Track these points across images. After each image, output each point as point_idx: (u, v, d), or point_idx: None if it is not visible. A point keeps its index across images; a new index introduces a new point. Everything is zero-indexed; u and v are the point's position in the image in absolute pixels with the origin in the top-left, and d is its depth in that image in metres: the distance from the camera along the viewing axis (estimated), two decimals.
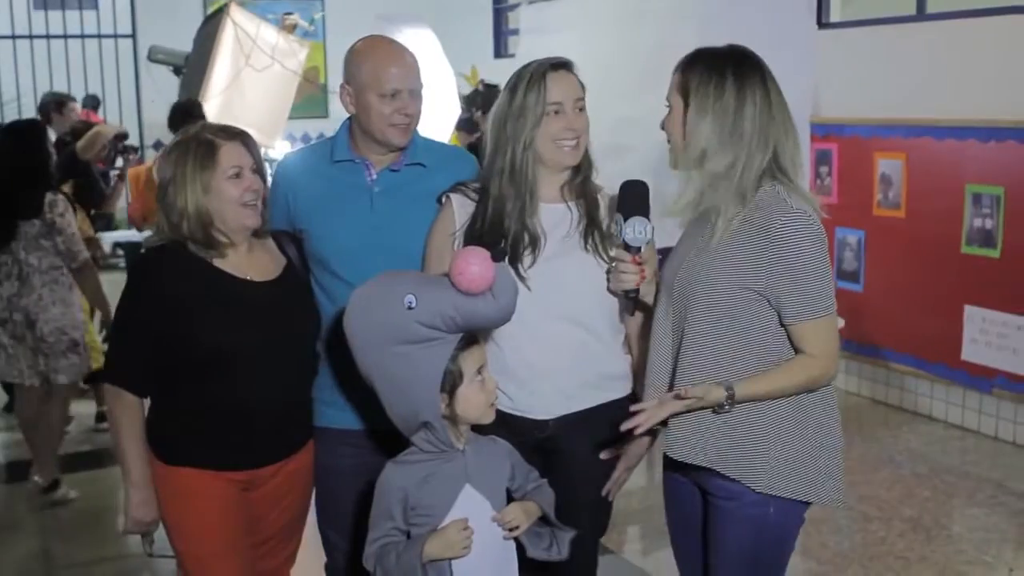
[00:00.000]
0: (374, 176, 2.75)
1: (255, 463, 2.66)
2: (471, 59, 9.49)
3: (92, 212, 6.35)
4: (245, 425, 2.61)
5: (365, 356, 2.34)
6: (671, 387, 2.42)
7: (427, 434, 2.31)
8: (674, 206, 2.44)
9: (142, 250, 2.74)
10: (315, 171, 2.80)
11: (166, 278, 2.57)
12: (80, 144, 6.58)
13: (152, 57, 8.57)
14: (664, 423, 2.41)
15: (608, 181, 2.72)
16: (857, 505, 4.71)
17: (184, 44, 8.42)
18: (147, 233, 5.82)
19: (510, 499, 2.43)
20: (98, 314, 5.35)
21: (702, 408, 2.35)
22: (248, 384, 2.59)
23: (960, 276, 5.68)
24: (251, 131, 2.73)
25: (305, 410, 2.77)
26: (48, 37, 10.78)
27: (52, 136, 6.35)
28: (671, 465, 2.52)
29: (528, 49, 8.19)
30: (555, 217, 2.62)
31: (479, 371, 2.33)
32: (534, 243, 2.58)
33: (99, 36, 11.03)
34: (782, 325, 2.36)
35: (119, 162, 7.18)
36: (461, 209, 2.65)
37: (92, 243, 5.55)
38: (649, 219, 2.50)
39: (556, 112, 2.56)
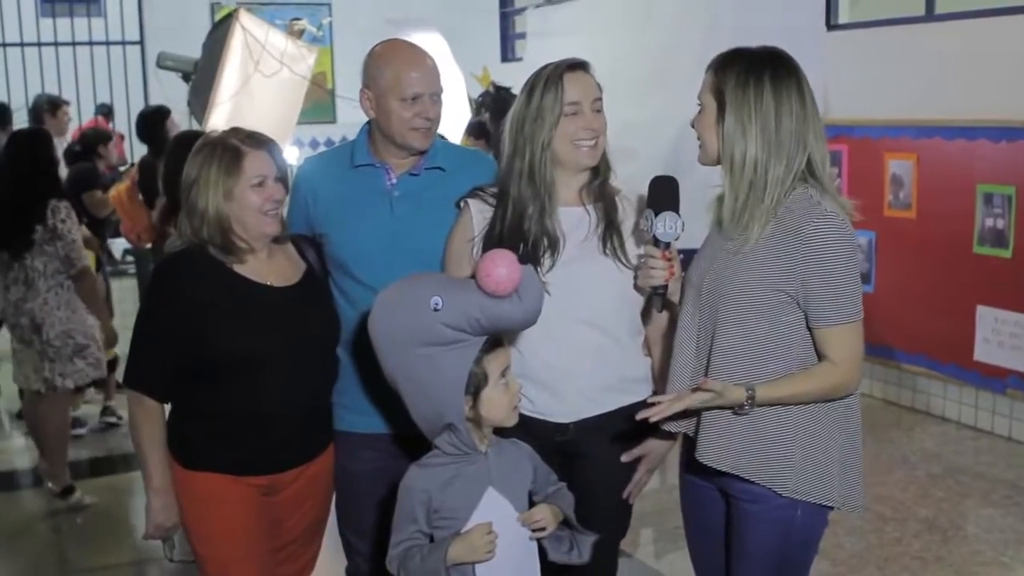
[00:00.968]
0: (394, 180, 2.75)
1: (276, 467, 2.66)
2: (479, 63, 9.48)
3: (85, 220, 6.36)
4: (266, 430, 2.61)
5: (390, 358, 2.34)
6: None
7: (450, 436, 2.31)
8: (715, 215, 2.43)
9: (161, 256, 2.74)
10: (335, 175, 2.80)
11: (186, 283, 2.58)
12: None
13: (161, 64, 8.58)
14: (682, 416, 2.38)
15: (616, 185, 2.73)
16: (872, 506, 4.69)
17: (192, 50, 8.42)
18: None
19: (531, 502, 2.43)
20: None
21: (720, 407, 2.34)
22: (268, 389, 2.59)
23: (972, 276, 5.67)
24: None
25: (326, 414, 2.78)
26: (56, 45, 10.79)
27: None
28: (692, 470, 2.51)
29: (535, 53, 8.21)
30: (573, 220, 2.62)
31: (503, 374, 2.33)
32: (553, 246, 2.58)
33: (107, 43, 11.03)
34: (808, 329, 2.35)
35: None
36: (479, 214, 2.65)
37: (89, 243, 5.54)
38: (679, 215, 2.48)
39: (574, 113, 2.56)
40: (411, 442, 2.51)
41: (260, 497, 2.66)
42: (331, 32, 10.61)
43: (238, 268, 2.61)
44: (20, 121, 10.04)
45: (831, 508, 2.44)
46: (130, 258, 8.49)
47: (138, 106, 11.08)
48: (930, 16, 6.17)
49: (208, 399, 2.61)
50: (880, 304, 6.22)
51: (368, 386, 2.69)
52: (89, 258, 5.23)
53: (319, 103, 9.98)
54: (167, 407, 2.68)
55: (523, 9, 10.02)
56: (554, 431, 2.60)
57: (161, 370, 2.60)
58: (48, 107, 7.68)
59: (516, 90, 2.83)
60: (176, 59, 8.53)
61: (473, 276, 2.34)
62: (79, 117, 10.19)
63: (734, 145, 2.33)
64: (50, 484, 5.03)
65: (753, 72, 2.34)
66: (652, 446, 2.67)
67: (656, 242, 2.49)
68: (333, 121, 10.61)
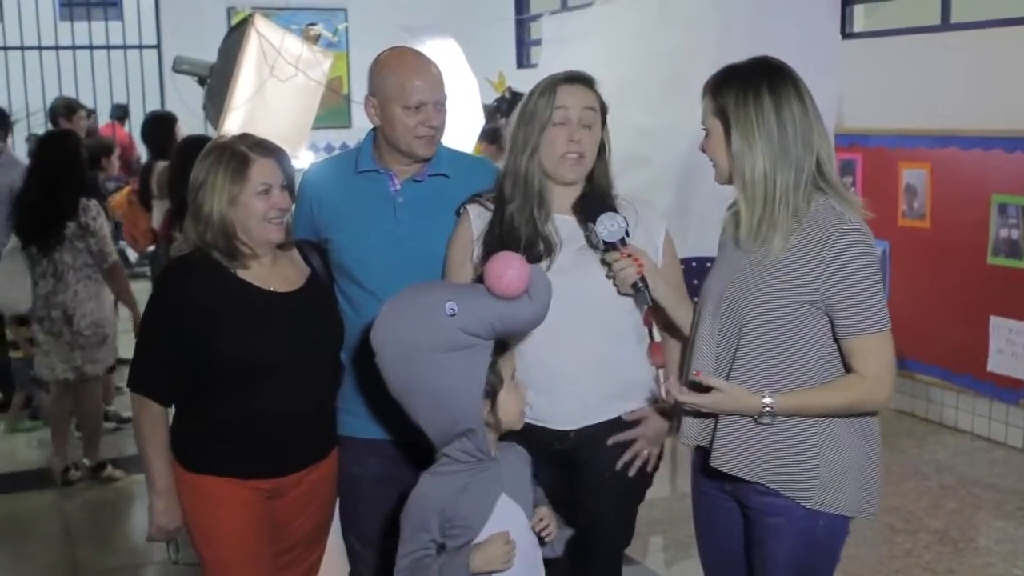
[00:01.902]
0: (398, 187, 2.76)
1: (280, 471, 2.67)
2: (494, 69, 9.49)
3: None
4: (270, 434, 2.62)
5: (399, 369, 2.31)
6: None
7: (463, 443, 2.30)
8: (731, 232, 2.45)
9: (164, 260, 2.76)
10: (339, 181, 2.81)
11: (191, 288, 2.59)
12: None
13: (177, 68, 8.61)
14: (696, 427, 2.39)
15: (630, 192, 2.72)
16: (883, 517, 4.65)
17: (209, 55, 8.45)
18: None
19: None
20: (130, 314, 5.49)
21: (738, 413, 2.33)
22: (272, 393, 2.60)
23: (986, 287, 5.62)
24: (275, 141, 2.75)
25: (329, 419, 2.78)
26: (74, 48, 10.84)
27: None
28: (706, 480, 2.49)
29: (550, 59, 8.21)
30: (568, 229, 2.62)
31: (512, 376, 2.34)
32: (549, 249, 2.57)
33: (124, 47, 11.08)
34: (835, 339, 2.34)
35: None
36: (478, 220, 2.65)
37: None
38: (616, 211, 2.51)
39: (561, 122, 2.56)
40: (416, 449, 2.50)
41: (264, 500, 2.66)
42: (347, 37, 10.64)
43: (242, 273, 2.62)
44: (38, 124, 10.14)
45: (851, 517, 2.42)
46: (146, 260, 8.52)
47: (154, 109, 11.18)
48: (945, 25, 6.14)
49: (211, 403, 2.61)
50: (893, 314, 6.06)
51: (372, 392, 2.68)
52: None
53: (334, 108, 10.01)
54: (171, 410, 2.68)
55: (538, 16, 10.04)
56: (554, 439, 2.59)
57: (165, 374, 2.61)
58: (64, 111, 7.78)
59: None
60: (192, 63, 8.56)
61: (480, 280, 2.34)
62: (96, 120, 10.24)
63: (744, 162, 2.34)
64: (85, 460, 5.34)
65: (751, 88, 2.34)
66: (648, 416, 2.64)
67: (609, 246, 2.50)
68: (349, 126, 10.65)
